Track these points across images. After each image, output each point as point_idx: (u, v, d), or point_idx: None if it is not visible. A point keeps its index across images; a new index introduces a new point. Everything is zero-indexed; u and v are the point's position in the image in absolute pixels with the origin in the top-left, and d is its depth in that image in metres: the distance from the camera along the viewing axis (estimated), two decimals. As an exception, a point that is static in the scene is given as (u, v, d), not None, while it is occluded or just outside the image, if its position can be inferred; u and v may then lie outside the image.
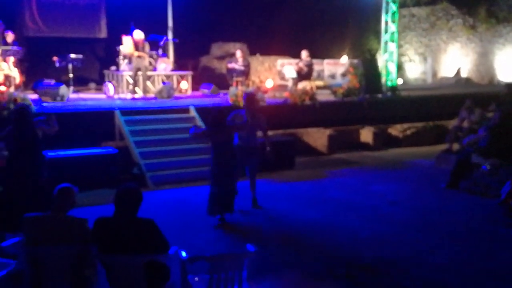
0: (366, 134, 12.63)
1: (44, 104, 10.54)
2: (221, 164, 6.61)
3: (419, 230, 6.58)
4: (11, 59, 11.69)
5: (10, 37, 11.90)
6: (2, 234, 5.44)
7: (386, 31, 15.17)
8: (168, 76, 13.49)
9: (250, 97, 7.36)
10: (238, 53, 14.32)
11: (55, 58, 13.02)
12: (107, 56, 14.78)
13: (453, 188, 8.49)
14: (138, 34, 12.45)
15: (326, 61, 16.45)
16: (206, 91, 13.82)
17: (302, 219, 7.05)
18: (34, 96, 11.36)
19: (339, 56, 17.82)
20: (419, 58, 22.10)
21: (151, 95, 12.59)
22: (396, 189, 8.64)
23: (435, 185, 8.77)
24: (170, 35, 14.61)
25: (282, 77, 15.38)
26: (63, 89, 11.29)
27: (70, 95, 11.81)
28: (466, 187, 8.39)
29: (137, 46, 12.40)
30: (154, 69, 13.41)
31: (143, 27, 12.83)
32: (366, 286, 4.99)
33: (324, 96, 13.32)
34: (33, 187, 5.85)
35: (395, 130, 13.10)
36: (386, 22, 15.13)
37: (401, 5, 17.50)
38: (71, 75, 12.92)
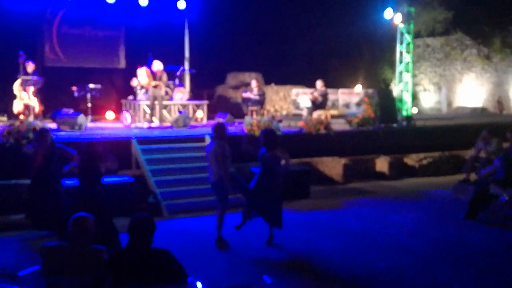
0: (382, 164, 12.53)
1: (62, 133, 10.70)
2: (266, 178, 6.90)
3: (437, 262, 6.45)
4: (31, 88, 11.90)
5: (30, 67, 12.11)
6: None
7: (400, 61, 15.19)
8: (184, 106, 13.61)
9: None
10: (253, 83, 14.47)
11: (74, 88, 13.28)
12: (125, 85, 15.04)
13: (471, 219, 8.35)
14: (157, 65, 12.65)
15: (340, 90, 16.49)
16: (221, 120, 13.86)
17: (318, 248, 6.96)
18: (53, 125, 11.57)
19: (353, 86, 17.88)
20: (433, 88, 22.06)
21: (168, 124, 12.72)
22: (414, 219, 8.51)
23: (453, 216, 8.62)
24: (186, 66, 14.85)
25: (297, 107, 15.46)
26: (81, 118, 11.47)
27: (88, 124, 12.00)
28: (484, 218, 8.25)
29: (155, 76, 12.60)
30: (171, 99, 13.59)
31: (160, 57, 13.02)
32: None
33: (339, 125, 13.32)
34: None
35: (411, 159, 12.97)
36: (401, 53, 15.15)
37: (416, 36, 17.57)
38: (89, 105, 13.14)
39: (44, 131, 7.43)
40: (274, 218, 7.00)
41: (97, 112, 13.66)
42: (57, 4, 14.43)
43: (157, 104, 12.69)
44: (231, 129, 12.09)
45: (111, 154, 6.74)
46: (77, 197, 6.49)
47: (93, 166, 6.44)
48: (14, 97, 11.84)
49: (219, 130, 7.11)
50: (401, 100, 15.02)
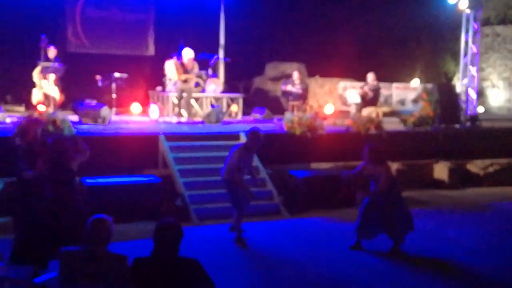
0: (441, 170, 12.34)
1: (85, 126, 10.98)
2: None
3: (501, 286, 6.33)
4: (52, 76, 12.15)
5: (52, 52, 12.35)
6: (36, 269, 5.65)
7: (465, 53, 14.86)
8: (217, 99, 13.68)
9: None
10: (295, 75, 14.45)
11: (98, 77, 13.50)
12: (153, 75, 15.25)
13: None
14: (188, 54, 12.79)
15: (395, 85, 16.31)
16: (258, 116, 13.93)
17: (363, 264, 6.98)
18: (74, 117, 11.73)
19: (410, 80, 17.61)
20: (503, 84, 21.49)
21: (199, 119, 12.81)
22: (475, 235, 8.37)
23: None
24: (221, 54, 14.90)
25: (344, 102, 15.32)
26: (105, 110, 11.61)
27: (112, 117, 12.19)
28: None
29: (185, 67, 12.74)
30: (203, 91, 13.69)
31: (193, 44, 13.14)
32: None
33: (392, 125, 13.16)
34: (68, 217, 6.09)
35: (475, 166, 12.70)
36: (466, 42, 14.84)
37: (484, 23, 17.19)
38: (114, 96, 13.39)
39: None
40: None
41: (122, 104, 13.75)
42: (82, -16, 14.81)
43: (184, 97, 12.89)
44: (268, 126, 12.17)
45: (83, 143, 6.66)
46: (48, 204, 6.14)
47: (64, 165, 6.22)
48: (33, 85, 12.06)
49: (250, 139, 7.72)
50: (465, 97, 14.76)
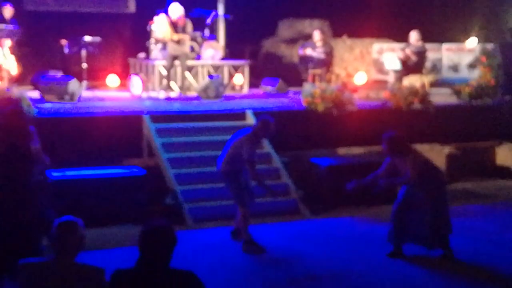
0: (506, 155, 12.43)
1: (48, 105, 10.97)
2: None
3: None
4: (7, 42, 12.09)
5: (8, 11, 12.35)
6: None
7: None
8: (217, 67, 13.66)
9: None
10: (316, 35, 14.38)
11: (63, 42, 13.52)
12: (134, 38, 15.21)
13: None
14: (176, 10, 12.76)
15: (445, 46, 16.22)
16: (269, 88, 13.91)
17: (405, 276, 6.99)
18: (34, 93, 11.75)
19: (465, 39, 17.44)
20: None
21: (193, 93, 12.82)
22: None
23: None
24: (221, 10, 14.85)
25: (380, 70, 15.28)
26: (73, 84, 11.54)
27: (83, 92, 12.16)
28: None
29: (175, 25, 12.73)
30: (198, 57, 13.67)
31: (183, -1, 13.17)
32: None
33: (442, 97, 13.19)
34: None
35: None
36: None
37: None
38: (84, 65, 13.34)
39: None
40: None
41: (95, 76, 13.84)
42: None
43: (178, 65, 12.87)
44: (283, 102, 12.14)
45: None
46: None
47: (19, 147, 6.15)
48: (-17, 54, 12.09)
49: (260, 129, 7.83)
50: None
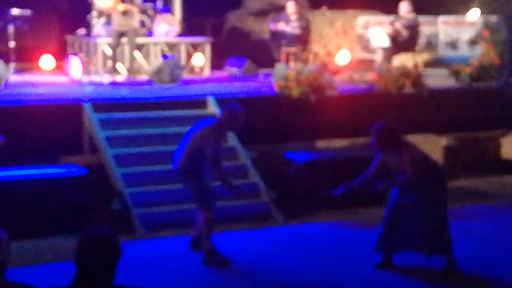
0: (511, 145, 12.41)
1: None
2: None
3: None
4: None
5: None
6: None
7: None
8: (172, 46, 13.62)
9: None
10: (291, 6, 14.22)
11: (-15, 16, 13.36)
12: (72, 11, 15.05)
13: None
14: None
15: (441, 18, 16.27)
16: (235, 70, 13.84)
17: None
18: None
19: (465, 11, 17.56)
20: None
21: (144, 77, 12.74)
22: None
23: None
24: (176, -23, 14.79)
25: (366, 47, 15.33)
26: (-1, 67, 11.45)
27: (11, 77, 11.99)
28: None
29: (121, -2, 12.58)
30: (149, 34, 13.60)
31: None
32: None
33: (438, 79, 13.24)
34: None
35: None
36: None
37: None
38: (12, 44, 13.17)
39: None
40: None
41: (25, 57, 13.69)
42: None
43: (126, 43, 12.74)
44: (251, 86, 12.10)
45: None
46: None
47: None
48: None
49: (226, 119, 7.80)
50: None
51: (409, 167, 7.21)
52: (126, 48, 12.85)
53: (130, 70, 12.81)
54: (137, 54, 13.09)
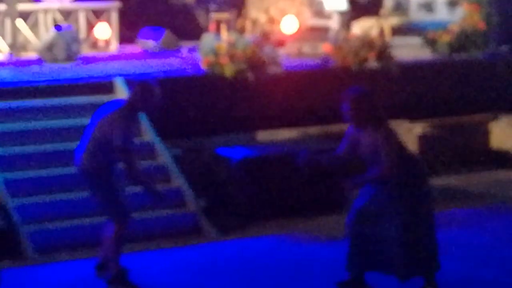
0: (503, 133, 12.72)
1: None
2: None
3: None
4: None
5: None
6: None
7: None
8: (68, 14, 13.72)
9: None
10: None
11: None
12: None
13: None
14: None
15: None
16: (151, 44, 14.04)
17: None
18: None
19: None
20: None
21: (31, 54, 12.78)
22: None
23: None
24: None
25: (318, 12, 15.46)
26: None
27: None
28: None
29: None
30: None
31: None
32: None
33: (411, 50, 13.47)
34: None
35: None
36: None
37: None
38: None
39: None
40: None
41: None
42: None
43: (5, 12, 12.70)
44: (171, 64, 12.16)
45: None
46: None
47: None
48: None
49: (137, 98, 7.84)
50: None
51: (386, 155, 7.23)
52: (7, 19, 12.78)
53: (13, 46, 12.77)
54: (21, 24, 13.04)
